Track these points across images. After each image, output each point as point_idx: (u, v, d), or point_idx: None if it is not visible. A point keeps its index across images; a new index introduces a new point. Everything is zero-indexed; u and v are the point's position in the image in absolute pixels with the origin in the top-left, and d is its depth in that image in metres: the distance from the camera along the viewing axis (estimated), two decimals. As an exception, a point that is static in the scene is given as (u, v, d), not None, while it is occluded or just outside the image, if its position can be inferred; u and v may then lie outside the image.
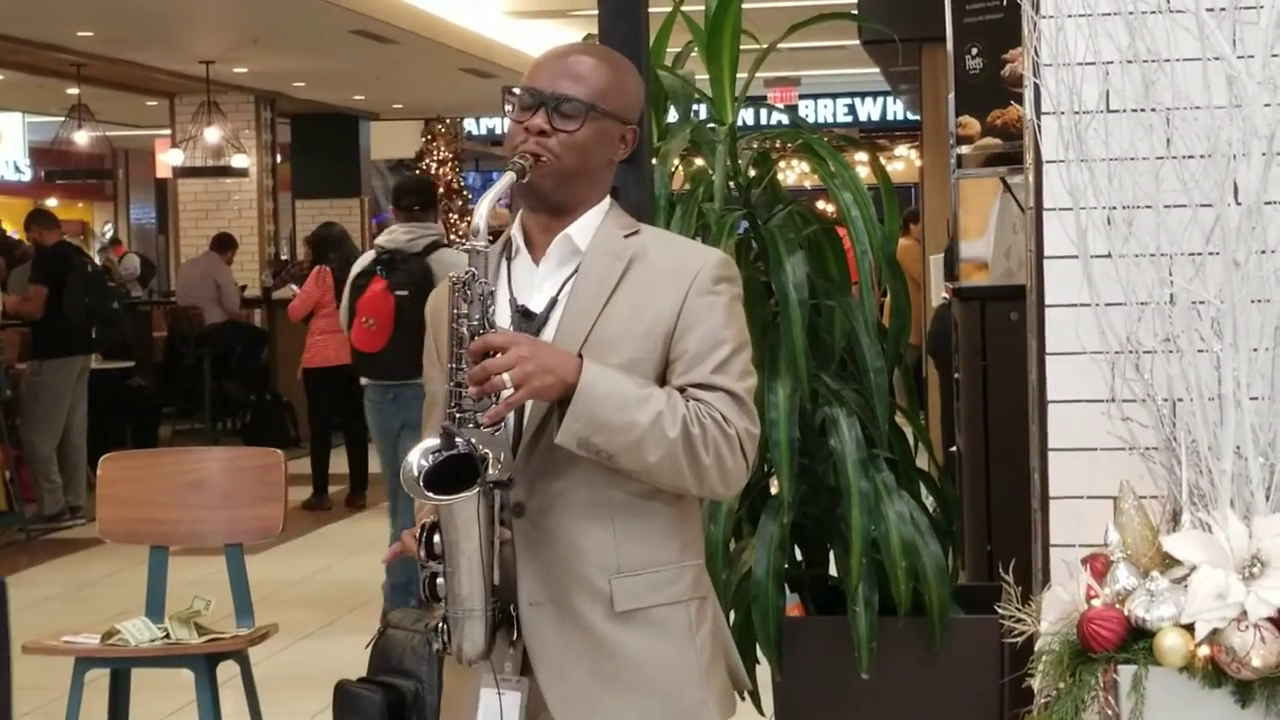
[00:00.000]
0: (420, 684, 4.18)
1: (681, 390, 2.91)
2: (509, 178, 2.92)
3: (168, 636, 5.12)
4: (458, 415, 2.83)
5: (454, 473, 2.82)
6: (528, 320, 2.96)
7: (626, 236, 3.01)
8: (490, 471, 2.81)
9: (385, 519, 9.50)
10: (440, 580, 2.89)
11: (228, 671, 5.15)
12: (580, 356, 2.85)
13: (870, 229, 4.32)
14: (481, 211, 2.85)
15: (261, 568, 9.20)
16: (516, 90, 2.99)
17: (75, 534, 10.49)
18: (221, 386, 15.98)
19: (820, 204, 5.71)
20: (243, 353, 16.28)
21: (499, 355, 2.79)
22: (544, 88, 2.96)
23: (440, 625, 2.93)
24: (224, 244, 17.19)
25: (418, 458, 2.84)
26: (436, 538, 2.87)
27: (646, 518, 2.97)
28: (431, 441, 2.85)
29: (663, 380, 2.94)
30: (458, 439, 2.81)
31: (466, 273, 2.83)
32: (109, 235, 25.94)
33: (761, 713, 4.49)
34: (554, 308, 2.96)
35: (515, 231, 3.04)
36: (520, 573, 2.92)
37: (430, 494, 2.81)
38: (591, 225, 3.01)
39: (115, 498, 5.45)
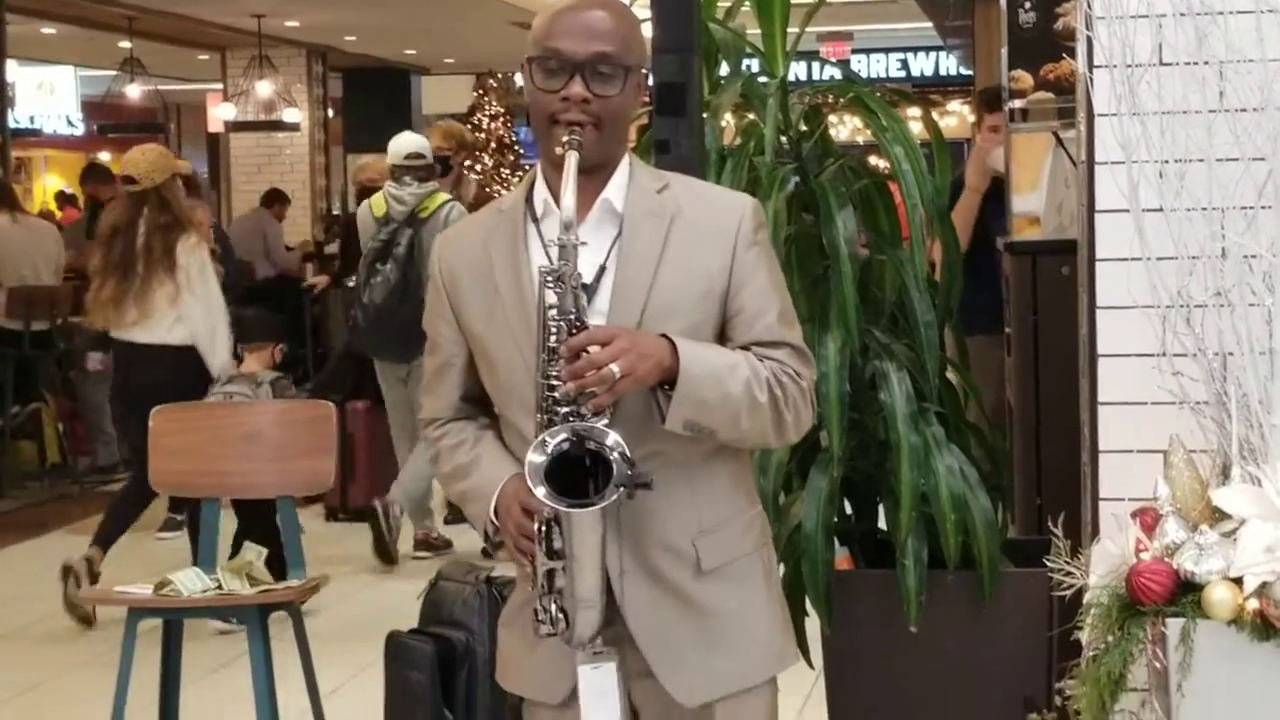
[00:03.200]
0: (471, 635, 4.23)
1: (746, 348, 2.94)
2: (574, 159, 2.85)
3: (220, 587, 5.17)
4: (560, 409, 2.81)
5: (569, 467, 2.80)
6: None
7: (659, 192, 3.00)
8: (635, 471, 2.78)
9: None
10: (556, 574, 2.88)
11: (280, 623, 5.19)
12: (668, 338, 2.85)
13: (921, 183, 4.31)
14: (568, 204, 2.80)
15: (314, 520, 9.28)
16: (541, 57, 2.91)
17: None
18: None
19: (871, 159, 5.69)
20: (295, 307, 16.34)
21: (606, 349, 2.78)
22: (575, 52, 2.90)
23: (541, 610, 2.91)
24: (273, 199, 17.21)
25: (537, 461, 2.79)
26: (555, 534, 2.86)
27: (717, 475, 3.01)
28: (551, 442, 2.80)
29: (720, 339, 2.97)
30: (589, 441, 2.79)
31: (559, 266, 2.81)
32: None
33: (811, 665, 4.50)
34: (603, 276, 2.95)
35: (539, 191, 3.00)
36: (608, 546, 2.93)
37: (572, 501, 2.79)
38: (623, 182, 2.99)
39: (168, 449, 5.49)
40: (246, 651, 5.06)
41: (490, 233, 3.04)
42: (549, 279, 2.82)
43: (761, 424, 2.92)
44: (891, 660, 4.37)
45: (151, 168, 7.96)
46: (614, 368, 2.76)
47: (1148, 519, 3.27)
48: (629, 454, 2.79)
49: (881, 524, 4.50)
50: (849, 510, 4.56)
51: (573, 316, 2.81)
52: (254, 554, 5.32)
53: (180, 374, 7.86)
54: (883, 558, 4.44)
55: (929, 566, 4.26)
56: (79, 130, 25.11)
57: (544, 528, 2.87)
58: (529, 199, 3.02)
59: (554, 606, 2.90)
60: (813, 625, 4.39)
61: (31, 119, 23.76)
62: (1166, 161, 3.37)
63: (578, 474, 2.82)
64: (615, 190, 2.98)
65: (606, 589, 2.93)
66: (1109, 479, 3.73)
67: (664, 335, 2.86)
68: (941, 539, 4.25)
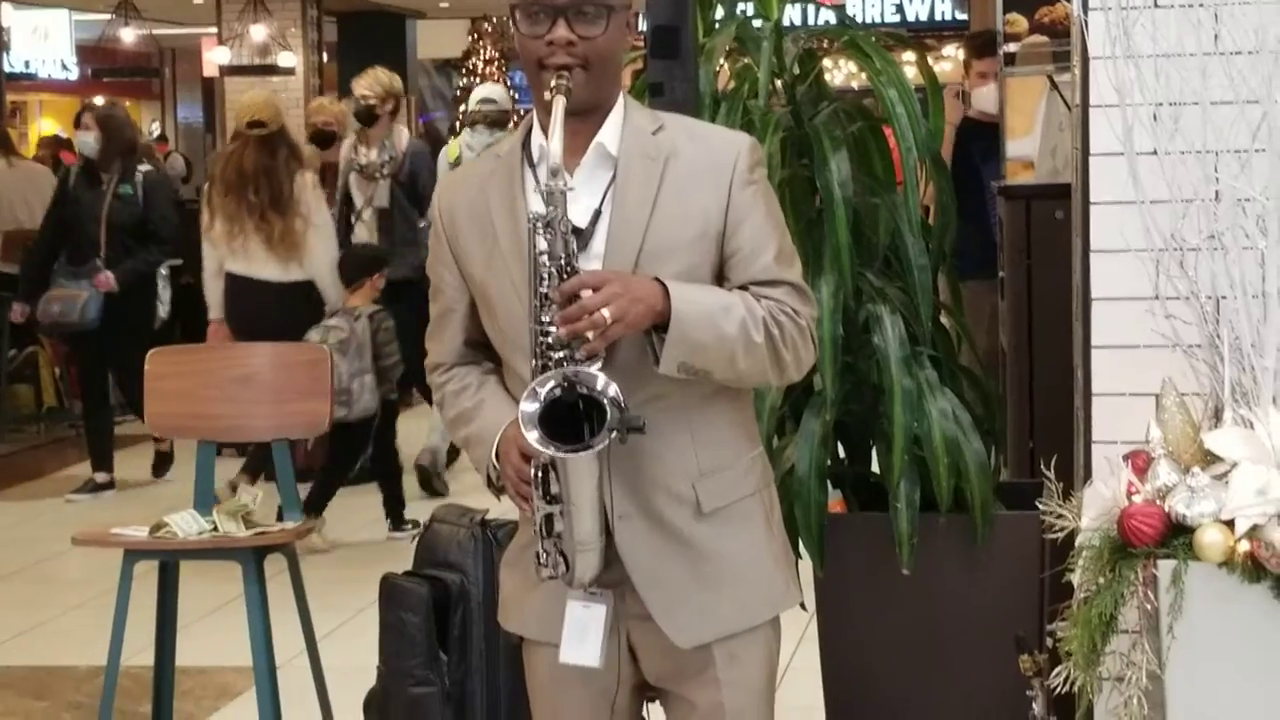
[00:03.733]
0: (465, 577, 4.24)
1: (743, 288, 2.93)
2: (562, 105, 2.84)
3: (215, 529, 5.17)
4: (554, 354, 2.82)
5: (564, 412, 2.81)
6: (574, 235, 2.94)
7: (654, 134, 2.99)
8: (627, 414, 2.78)
9: (427, 417, 9.55)
10: (555, 518, 2.89)
11: (275, 565, 5.20)
12: (660, 281, 2.84)
13: (915, 126, 4.30)
14: (555, 149, 2.80)
15: (308, 463, 9.27)
16: (524, 3, 2.91)
17: (125, 430, 10.56)
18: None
19: (866, 104, 5.68)
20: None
21: (597, 293, 2.77)
22: None
23: (542, 553, 2.93)
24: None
25: (530, 407, 2.80)
26: (553, 479, 2.87)
27: (718, 417, 3.01)
28: (543, 387, 2.80)
29: (718, 280, 2.96)
30: (580, 386, 2.80)
31: (549, 213, 2.80)
32: (155, 134, 25.95)
33: (804, 608, 4.49)
34: (598, 220, 2.95)
35: (535, 137, 3.00)
36: (607, 490, 2.93)
37: (564, 447, 2.79)
38: (617, 122, 2.98)
39: (163, 392, 5.48)
40: (243, 594, 5.07)
41: (488, 178, 3.04)
42: (538, 225, 2.82)
43: (759, 364, 2.92)
44: (884, 603, 4.38)
45: (275, 113, 8.65)
46: (605, 312, 2.76)
47: (1140, 462, 3.28)
48: (621, 397, 2.79)
49: (874, 467, 4.51)
50: (842, 454, 4.56)
51: (563, 261, 2.81)
52: (249, 497, 5.32)
53: (298, 310, 8.42)
54: (875, 501, 4.45)
55: (921, 509, 4.27)
56: (73, 75, 25.01)
57: (540, 473, 2.87)
58: (525, 144, 3.02)
59: (554, 550, 2.91)
60: (805, 568, 4.37)
61: (26, 63, 23.65)
62: (1161, 105, 3.36)
63: (573, 419, 2.82)
64: (609, 133, 2.97)
65: (606, 532, 2.94)
66: (1101, 422, 3.73)
67: (657, 278, 2.85)
68: (934, 482, 4.26)
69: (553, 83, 2.87)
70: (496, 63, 24.91)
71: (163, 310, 10.25)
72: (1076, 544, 3.28)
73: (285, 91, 19.49)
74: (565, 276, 2.81)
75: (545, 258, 2.81)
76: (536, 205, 2.89)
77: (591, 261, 2.90)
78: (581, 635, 2.98)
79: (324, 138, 10.72)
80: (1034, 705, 3.85)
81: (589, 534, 2.90)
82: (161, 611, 5.24)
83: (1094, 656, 3.15)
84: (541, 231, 2.81)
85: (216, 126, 22.59)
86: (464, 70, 23.77)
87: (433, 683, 4.17)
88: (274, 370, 5.51)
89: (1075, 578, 3.25)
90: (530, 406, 2.79)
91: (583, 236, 2.91)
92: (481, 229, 3.01)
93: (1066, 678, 3.19)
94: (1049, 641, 3.48)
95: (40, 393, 12.08)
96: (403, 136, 10.04)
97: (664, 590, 2.99)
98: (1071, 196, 3.92)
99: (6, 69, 16.76)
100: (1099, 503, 3.28)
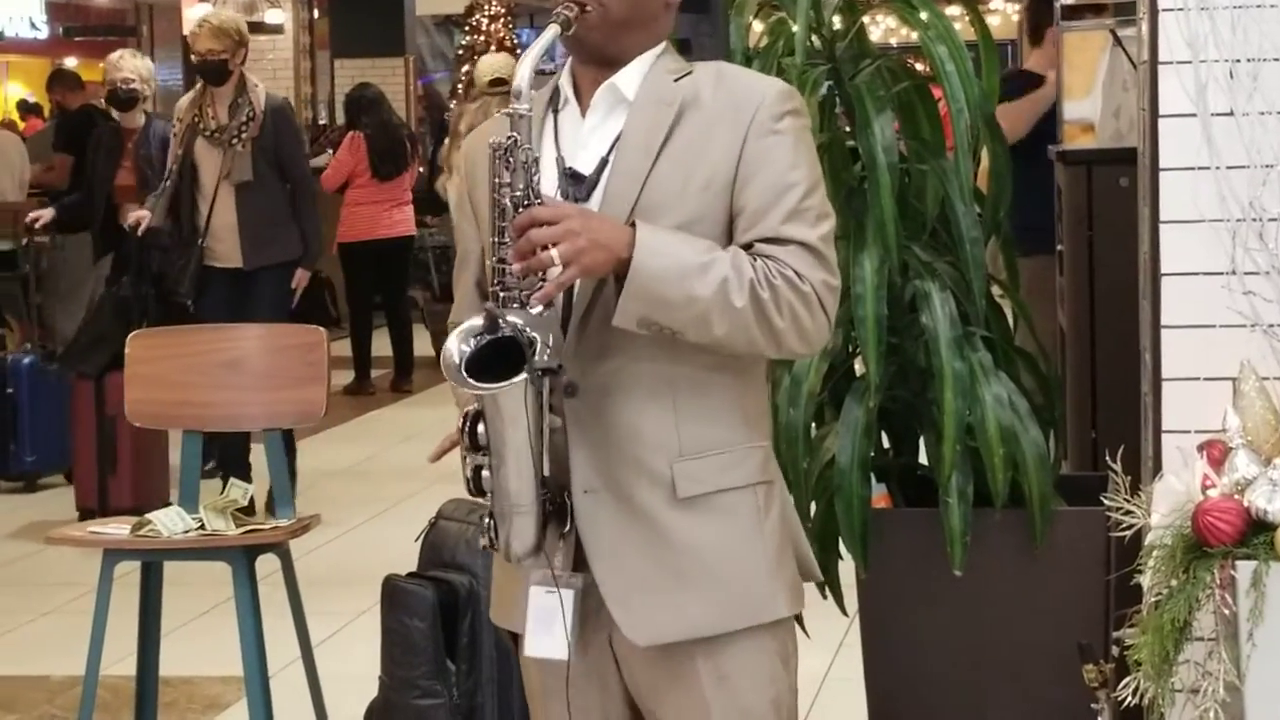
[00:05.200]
0: (475, 579, 4.24)
1: (749, 247, 2.88)
2: (552, 31, 2.87)
3: (203, 527, 5.17)
4: (501, 294, 2.82)
5: (499, 357, 2.80)
6: (576, 184, 2.94)
7: (677, 80, 2.97)
8: (539, 358, 2.78)
9: (432, 406, 9.56)
10: (486, 474, 2.87)
11: (267, 566, 5.20)
12: (633, 225, 2.83)
13: (967, 85, 4.27)
14: (523, 72, 2.82)
15: (301, 456, 9.30)
16: None
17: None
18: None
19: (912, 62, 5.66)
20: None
21: (547, 229, 2.77)
22: None
23: (487, 521, 2.92)
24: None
25: (458, 342, 2.82)
26: (481, 428, 2.85)
27: (710, 394, 2.96)
28: (473, 323, 2.83)
29: (728, 236, 2.93)
30: (501, 322, 2.79)
31: (508, 138, 2.80)
32: (133, 97, 25.98)
33: (845, 612, 4.51)
34: (604, 169, 2.94)
35: (564, 81, 3.02)
36: (573, 458, 2.92)
37: (473, 382, 2.79)
38: (640, 71, 2.98)
39: (144, 378, 5.47)
40: (232, 597, 5.06)
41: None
42: (497, 153, 2.82)
43: (743, 330, 2.85)
44: (933, 607, 4.37)
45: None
46: (553, 252, 2.75)
47: (1215, 452, 3.26)
48: (541, 339, 2.78)
49: (923, 459, 4.50)
50: (886, 444, 4.55)
51: (519, 193, 2.81)
52: (239, 491, 5.32)
53: None
54: (924, 495, 4.44)
55: (974, 505, 4.25)
56: (43, 34, 25.03)
57: (469, 421, 2.86)
58: (557, 89, 3.04)
59: (488, 514, 2.90)
60: (847, 569, 4.39)
61: (-8, 21, 23.70)
62: (1238, 60, 3.35)
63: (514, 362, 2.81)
64: (627, 77, 2.97)
65: (560, 506, 2.91)
66: (1173, 409, 3.72)
67: (632, 224, 2.84)
68: (988, 475, 4.25)
69: (555, 9, 2.89)
70: (503, 19, 24.89)
71: None
72: (1146, 543, 3.28)
73: (273, 52, 19.53)
74: (519, 211, 2.81)
75: (506, 189, 2.82)
76: (553, 150, 2.92)
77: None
78: (547, 624, 2.94)
79: (125, 99, 9.84)
80: (1099, 719, 3.84)
81: (519, 494, 2.86)
82: (144, 617, 5.25)
83: (1166, 666, 3.15)
84: (501, 158, 2.81)
85: (198, 89, 22.58)
86: (467, 28, 23.70)
87: (440, 694, 4.18)
88: (265, 354, 5.50)
89: (1145, 580, 3.24)
90: (454, 342, 2.82)
91: (584, 184, 2.92)
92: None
93: (1135, 689, 3.18)
94: (1115, 650, 3.47)
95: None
96: (260, 93, 9.01)
97: (623, 577, 2.93)
98: (1138, 162, 3.91)
99: (-29, 27, 16.78)
100: (1170, 498, 3.27)
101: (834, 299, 2.93)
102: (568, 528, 2.93)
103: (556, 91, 3.03)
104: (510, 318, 2.79)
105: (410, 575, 4.31)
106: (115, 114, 10.00)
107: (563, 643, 2.93)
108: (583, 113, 2.99)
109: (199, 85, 9.06)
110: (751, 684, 2.98)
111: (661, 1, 3.01)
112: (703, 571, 2.95)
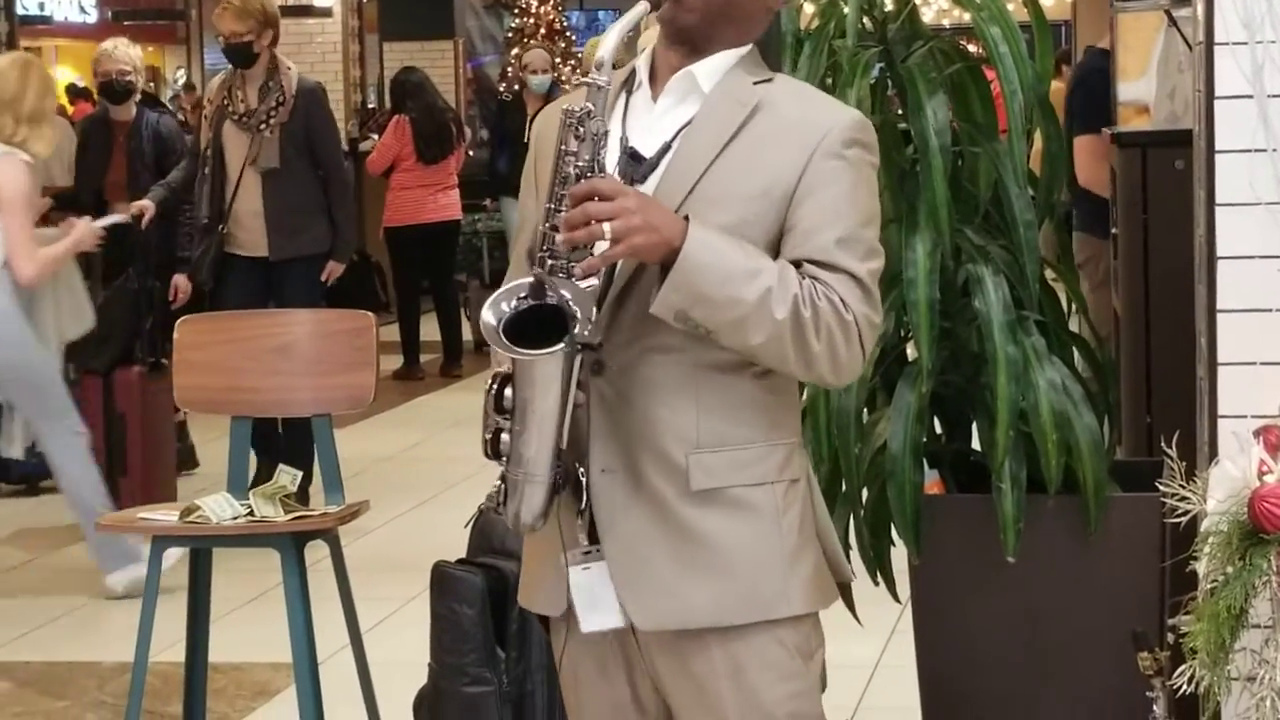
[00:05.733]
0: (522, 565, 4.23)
1: (798, 265, 2.88)
2: (641, 7, 2.89)
3: (251, 514, 5.18)
4: (550, 261, 2.83)
5: (537, 323, 2.81)
6: (635, 164, 2.95)
7: (756, 83, 2.98)
8: (580, 331, 2.80)
9: (481, 391, 9.55)
10: (505, 438, 2.89)
11: (316, 552, 5.21)
12: (687, 219, 2.83)
13: (1021, 66, 4.25)
14: (609, 43, 2.85)
15: (349, 442, 9.32)
16: None
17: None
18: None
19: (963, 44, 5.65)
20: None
21: (603, 203, 2.78)
22: None
23: (499, 485, 2.93)
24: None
25: (501, 303, 2.84)
26: (508, 392, 2.87)
27: (734, 391, 2.96)
28: (519, 285, 2.85)
29: (775, 248, 2.93)
30: (549, 290, 2.81)
31: (582, 108, 2.83)
32: (181, 81, 26.09)
33: (897, 599, 4.50)
34: (666, 154, 2.95)
35: (642, 63, 3.03)
36: (593, 436, 2.94)
37: (511, 345, 2.81)
38: (721, 67, 2.99)
39: (193, 364, 5.49)
40: (281, 583, 5.08)
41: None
42: (570, 121, 2.84)
43: (777, 343, 2.84)
44: (986, 593, 4.36)
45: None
46: (606, 227, 2.76)
47: (1272, 438, 3.25)
48: (583, 312, 2.79)
49: (975, 444, 4.49)
50: (939, 429, 4.54)
51: (584, 164, 2.82)
52: (288, 478, 5.33)
53: None
54: (976, 481, 4.43)
55: (1028, 491, 4.24)
56: (92, 18, 25.16)
57: (498, 384, 2.88)
58: (634, 70, 3.05)
59: (500, 479, 2.92)
60: (899, 556, 4.38)
61: (41, 5, 23.82)
62: (1296, 41, 3.32)
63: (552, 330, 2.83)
64: (706, 69, 2.98)
65: (578, 484, 2.92)
66: (1229, 394, 3.71)
67: (687, 217, 2.84)
68: (1042, 460, 4.23)
69: None
70: (552, 2, 24.89)
71: None
72: (1201, 529, 3.26)
73: (322, 35, 19.56)
74: (581, 180, 2.83)
75: (572, 157, 2.83)
76: (631, 135, 2.95)
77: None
78: (594, 600, 2.97)
79: (121, 91, 9.64)
80: (1154, 708, 3.82)
81: (534, 463, 2.87)
82: (193, 603, 5.26)
83: (1222, 654, 3.13)
84: (573, 126, 2.83)
85: (248, 73, 22.65)
86: (516, 10, 23.72)
87: (489, 681, 4.18)
88: (313, 340, 5.51)
89: (1200, 567, 3.23)
90: (497, 301, 2.83)
91: (642, 166, 2.93)
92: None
93: (1191, 677, 3.17)
94: (1170, 637, 3.46)
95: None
96: (292, 76, 8.89)
97: (633, 560, 2.95)
98: (1193, 144, 3.89)
99: (20, 12, 16.84)
100: (1226, 483, 3.26)
101: (874, 336, 2.93)
102: (584, 505, 2.95)
103: (633, 74, 3.04)
104: (556, 287, 2.81)
105: (460, 561, 4.31)
106: (108, 105, 9.78)
107: (614, 611, 2.96)
108: (654, 97, 3.00)
109: (230, 67, 8.92)
110: (768, 679, 2.98)
111: (764, 4, 3.01)
112: (710, 563, 2.95)
